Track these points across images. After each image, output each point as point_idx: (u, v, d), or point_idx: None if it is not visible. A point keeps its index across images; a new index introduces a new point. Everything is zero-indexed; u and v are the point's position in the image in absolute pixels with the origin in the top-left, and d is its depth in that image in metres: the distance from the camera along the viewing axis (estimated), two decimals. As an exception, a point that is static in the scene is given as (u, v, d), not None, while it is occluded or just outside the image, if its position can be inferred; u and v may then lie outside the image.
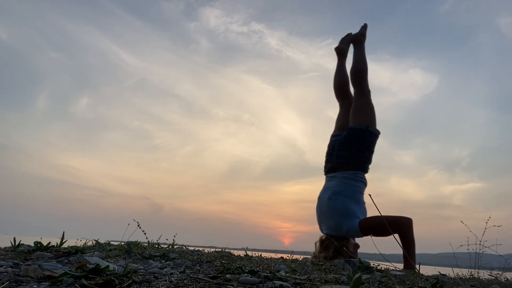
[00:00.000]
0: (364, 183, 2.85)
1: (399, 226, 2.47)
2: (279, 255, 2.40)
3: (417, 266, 1.21)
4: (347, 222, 2.63)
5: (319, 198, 2.91)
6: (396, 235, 2.45)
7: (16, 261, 1.27)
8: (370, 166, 2.91)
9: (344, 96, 3.29)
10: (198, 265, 1.44)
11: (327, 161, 2.99)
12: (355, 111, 3.00)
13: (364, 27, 3.42)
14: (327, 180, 2.94)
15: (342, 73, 3.37)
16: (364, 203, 2.83)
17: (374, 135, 2.89)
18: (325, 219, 2.79)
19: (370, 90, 3.07)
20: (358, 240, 2.84)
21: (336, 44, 3.47)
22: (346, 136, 2.92)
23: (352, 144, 2.86)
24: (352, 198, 2.73)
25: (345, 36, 3.49)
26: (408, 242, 2.45)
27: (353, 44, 3.33)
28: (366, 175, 2.89)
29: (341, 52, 3.41)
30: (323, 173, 3.03)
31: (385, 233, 2.53)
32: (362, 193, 2.83)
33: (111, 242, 2.27)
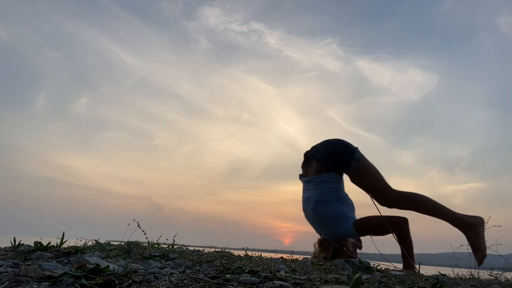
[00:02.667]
0: (339, 182, 2.74)
1: (395, 226, 2.46)
2: (279, 255, 2.40)
3: (417, 266, 1.21)
4: (342, 226, 2.61)
5: (304, 210, 2.83)
6: (394, 235, 2.45)
7: (16, 261, 1.27)
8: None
9: None
10: (198, 265, 1.44)
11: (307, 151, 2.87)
12: (374, 171, 2.70)
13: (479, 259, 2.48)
14: (304, 186, 2.84)
15: None
16: (346, 196, 2.76)
17: (347, 167, 2.68)
18: (318, 228, 2.77)
19: (391, 206, 2.66)
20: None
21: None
22: (340, 140, 2.82)
23: (334, 146, 2.75)
24: (334, 201, 2.67)
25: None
26: (405, 241, 2.44)
27: (469, 222, 2.54)
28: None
29: None
30: (299, 175, 2.91)
31: (381, 233, 2.52)
32: (341, 190, 2.74)
33: (111, 242, 2.27)
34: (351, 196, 2.82)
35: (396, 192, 2.64)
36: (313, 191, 2.72)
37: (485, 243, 2.51)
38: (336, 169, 2.71)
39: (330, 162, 2.71)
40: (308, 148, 2.87)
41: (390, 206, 2.66)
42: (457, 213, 2.59)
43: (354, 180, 2.72)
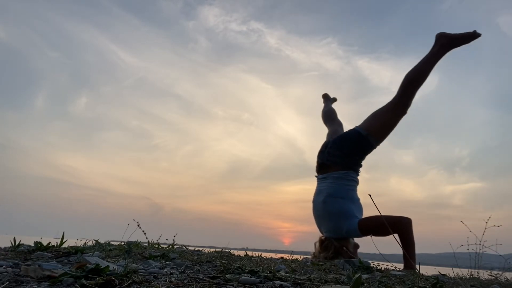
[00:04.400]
0: (355, 182, 2.82)
1: (398, 226, 2.46)
2: (279, 255, 2.40)
3: (417, 266, 1.21)
4: (346, 223, 2.62)
5: (314, 202, 2.87)
6: (396, 235, 2.45)
7: (16, 261, 1.28)
8: (362, 169, 2.89)
9: (331, 122, 3.43)
10: (198, 265, 1.44)
11: (318, 158, 2.95)
12: (375, 115, 2.82)
13: (471, 36, 2.65)
14: (318, 182, 2.90)
15: (327, 108, 3.63)
16: (358, 199, 2.81)
17: (370, 145, 2.81)
18: (323, 222, 2.78)
19: (408, 104, 2.69)
20: (358, 240, 2.84)
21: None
22: (343, 135, 2.91)
23: (345, 145, 2.83)
24: (346, 197, 2.71)
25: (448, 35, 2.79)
26: (408, 242, 2.44)
27: (441, 41, 2.70)
28: (362, 174, 2.89)
29: (326, 97, 3.76)
30: (315, 174, 2.98)
31: (385, 233, 2.52)
32: (354, 191, 2.81)
33: (111, 242, 2.27)
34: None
35: (398, 96, 2.70)
36: (328, 185, 2.78)
37: None
38: (360, 161, 2.84)
39: (351, 159, 2.81)
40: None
41: (407, 106, 2.70)
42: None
43: (383, 139, 2.83)
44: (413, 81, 2.68)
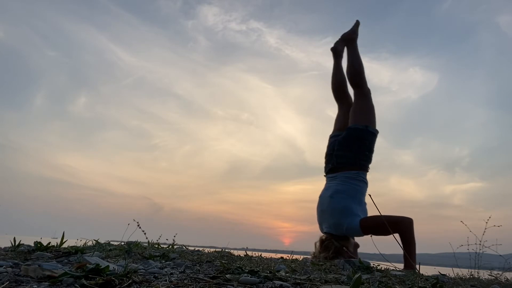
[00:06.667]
0: (365, 183, 2.85)
1: (399, 226, 2.46)
2: (279, 255, 2.40)
3: (417, 266, 1.21)
4: (347, 220, 2.63)
5: (320, 197, 2.90)
6: (397, 235, 2.45)
7: (16, 261, 1.28)
8: (370, 166, 2.92)
9: (343, 97, 3.28)
10: (198, 265, 1.44)
11: (327, 162, 2.98)
12: (355, 111, 3.01)
13: (356, 25, 3.36)
14: (328, 180, 2.94)
15: (339, 73, 3.34)
16: (365, 204, 2.83)
17: (373, 134, 2.91)
18: (325, 217, 2.79)
19: (369, 89, 3.06)
20: (358, 240, 2.84)
21: (333, 44, 3.42)
22: (346, 136, 2.92)
23: (352, 144, 2.86)
24: (354, 197, 2.73)
25: (340, 37, 3.54)
26: (408, 242, 2.44)
27: (346, 43, 3.29)
28: (367, 175, 2.91)
29: (336, 52, 3.38)
30: (324, 174, 3.03)
31: (386, 233, 2.53)
32: (363, 194, 2.82)
33: (111, 242, 2.27)
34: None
35: (362, 86, 3.08)
36: (338, 182, 2.81)
37: None
38: (370, 155, 2.90)
39: (363, 156, 2.85)
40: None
41: (368, 88, 3.07)
42: None
43: (375, 123, 3.01)
44: (361, 72, 3.13)
